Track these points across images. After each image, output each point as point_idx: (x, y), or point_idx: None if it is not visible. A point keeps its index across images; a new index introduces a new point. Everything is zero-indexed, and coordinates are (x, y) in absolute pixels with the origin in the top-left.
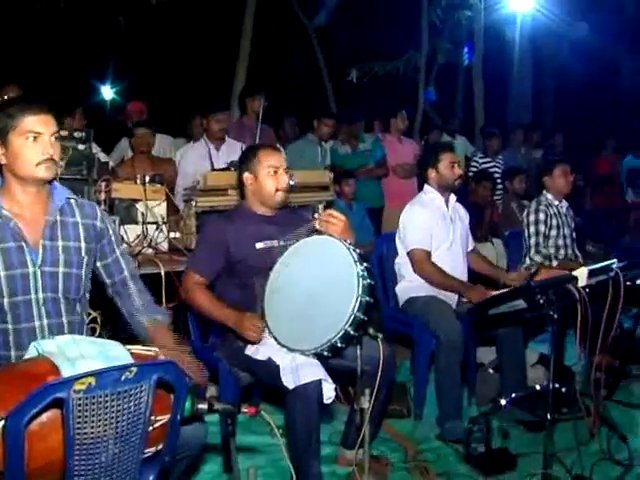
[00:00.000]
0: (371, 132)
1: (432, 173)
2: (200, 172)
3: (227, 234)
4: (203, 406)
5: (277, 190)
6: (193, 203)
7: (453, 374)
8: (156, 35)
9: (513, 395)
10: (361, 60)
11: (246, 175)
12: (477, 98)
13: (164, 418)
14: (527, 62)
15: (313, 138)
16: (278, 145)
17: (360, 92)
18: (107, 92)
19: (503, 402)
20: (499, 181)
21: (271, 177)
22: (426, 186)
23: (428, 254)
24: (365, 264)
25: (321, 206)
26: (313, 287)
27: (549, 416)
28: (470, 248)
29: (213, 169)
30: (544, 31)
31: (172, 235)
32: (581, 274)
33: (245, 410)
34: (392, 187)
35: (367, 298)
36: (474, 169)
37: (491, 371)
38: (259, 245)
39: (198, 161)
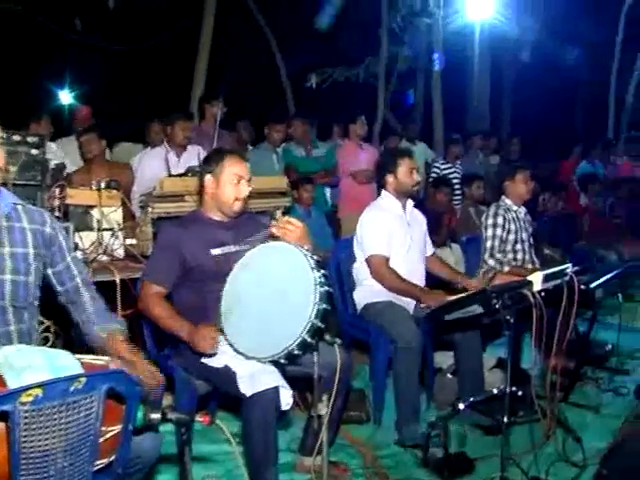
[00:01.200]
0: (330, 138)
1: (390, 178)
2: (157, 178)
3: (182, 241)
4: (156, 416)
5: (236, 199)
6: (149, 209)
7: (410, 379)
8: (114, 39)
9: (471, 399)
10: (321, 66)
11: (208, 178)
12: (436, 105)
13: (116, 429)
14: (485, 69)
15: (267, 146)
16: (244, 155)
17: (320, 97)
18: (65, 97)
19: (461, 406)
20: (458, 187)
21: (233, 185)
22: (383, 192)
23: (386, 260)
24: (322, 271)
25: (279, 212)
26: (270, 294)
27: (506, 419)
28: (429, 253)
29: (170, 175)
30: (503, 38)
31: (128, 242)
32: (536, 279)
33: (199, 419)
34: (350, 192)
35: (324, 305)
36: (435, 175)
37: (450, 375)
38: (215, 251)
39: (155, 167)
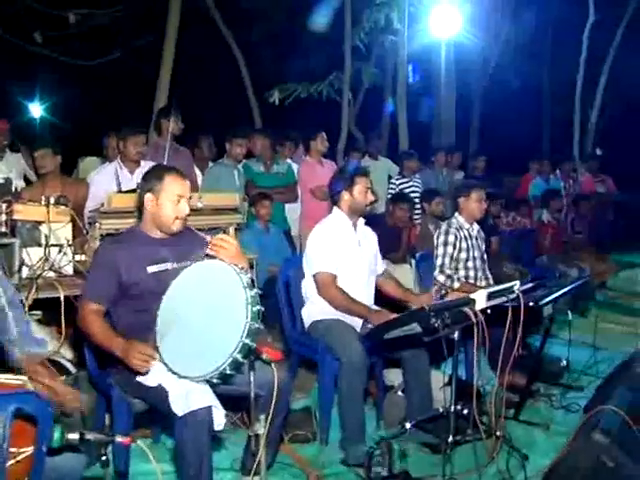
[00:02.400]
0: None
1: (346, 196)
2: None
3: (118, 258)
4: (74, 436)
5: (176, 218)
6: (97, 225)
7: (355, 397)
8: (76, 53)
9: (418, 418)
10: (284, 81)
11: (148, 196)
12: (400, 120)
13: (29, 450)
14: (451, 85)
15: (228, 161)
16: (184, 173)
17: (285, 113)
18: (36, 110)
19: (407, 425)
20: (417, 201)
21: (173, 204)
22: (335, 208)
23: (333, 277)
24: (255, 289)
25: (231, 229)
26: (203, 313)
27: (450, 438)
28: (380, 271)
29: (119, 191)
30: (470, 55)
31: (77, 258)
32: (480, 297)
33: (119, 439)
34: (309, 209)
35: (257, 324)
36: (392, 191)
37: (400, 393)
38: (151, 269)
39: (106, 183)
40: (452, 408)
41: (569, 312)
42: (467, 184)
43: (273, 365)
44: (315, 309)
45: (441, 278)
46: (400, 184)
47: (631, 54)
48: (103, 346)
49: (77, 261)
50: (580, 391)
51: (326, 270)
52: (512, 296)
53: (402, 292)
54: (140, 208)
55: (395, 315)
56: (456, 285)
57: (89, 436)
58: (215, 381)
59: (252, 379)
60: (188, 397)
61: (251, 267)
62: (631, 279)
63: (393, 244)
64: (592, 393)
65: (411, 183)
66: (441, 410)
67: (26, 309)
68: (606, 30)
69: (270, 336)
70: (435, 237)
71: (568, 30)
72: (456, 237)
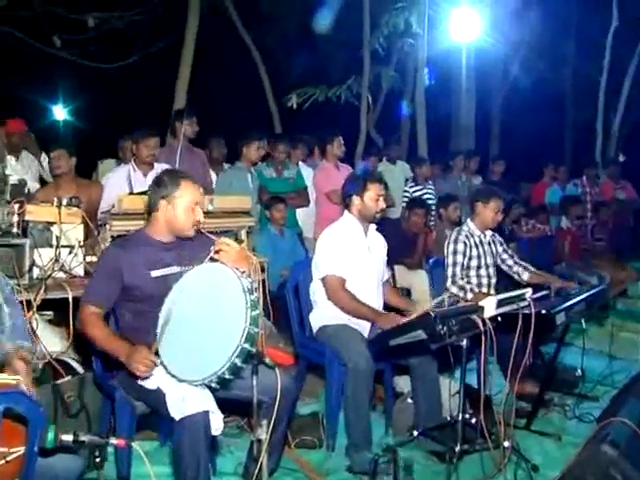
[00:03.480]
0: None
1: (357, 200)
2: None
3: (121, 262)
4: (68, 437)
5: (193, 225)
6: (108, 227)
7: (361, 403)
8: (95, 57)
9: (426, 426)
10: (303, 85)
11: (163, 203)
12: (419, 125)
13: (19, 450)
14: (471, 90)
15: (242, 165)
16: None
17: (304, 117)
18: (59, 113)
19: (415, 433)
20: (432, 207)
21: (189, 211)
22: (346, 212)
23: (342, 281)
24: (255, 294)
25: (243, 232)
26: (203, 317)
27: (458, 448)
28: (385, 279)
29: (131, 193)
30: (491, 59)
31: (89, 259)
32: (489, 304)
33: (114, 442)
34: (324, 213)
35: (256, 329)
36: (406, 198)
37: (409, 400)
38: (155, 273)
39: (118, 186)
40: (460, 417)
41: (583, 320)
42: (489, 190)
43: (277, 370)
44: (323, 314)
45: (454, 289)
46: (414, 192)
47: None
48: (104, 349)
49: (88, 262)
50: (595, 401)
51: (334, 273)
52: (523, 304)
53: (402, 301)
54: (149, 211)
55: (405, 319)
56: (469, 296)
57: (83, 438)
58: (214, 385)
59: (255, 384)
60: (185, 401)
61: (262, 271)
62: None
63: (409, 249)
64: (607, 404)
65: (424, 190)
66: (449, 419)
67: (34, 309)
68: (630, 34)
69: (283, 340)
70: (445, 246)
71: (591, 34)
72: (466, 245)
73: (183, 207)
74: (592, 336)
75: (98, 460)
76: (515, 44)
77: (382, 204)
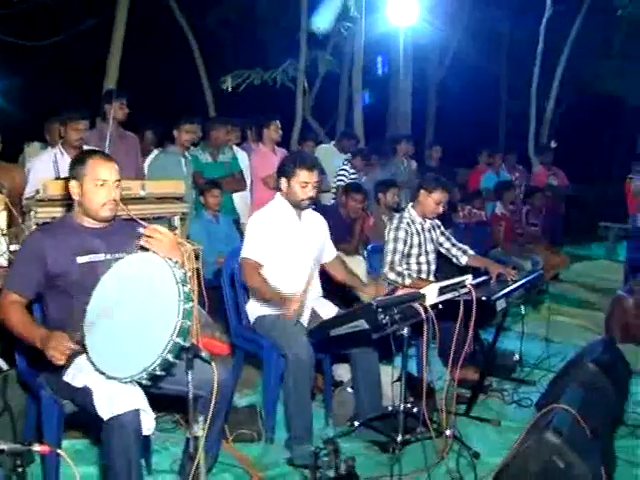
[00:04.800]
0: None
1: (284, 183)
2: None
3: (45, 248)
4: None
5: (103, 205)
6: (32, 214)
7: (302, 394)
8: (20, 33)
9: (367, 416)
10: (238, 68)
11: (72, 183)
12: (356, 110)
13: None
14: (408, 75)
15: (175, 149)
16: (108, 155)
17: (239, 100)
18: None
19: (356, 424)
20: None
21: (98, 189)
22: (278, 195)
23: (256, 265)
24: (189, 285)
25: (176, 218)
26: (133, 309)
27: (400, 437)
28: (332, 257)
29: (57, 178)
30: (427, 44)
31: (13, 248)
32: (430, 291)
33: (38, 449)
34: (260, 198)
35: (189, 323)
36: (342, 182)
37: (349, 390)
38: (81, 259)
39: (44, 170)
40: (401, 407)
41: (522, 306)
42: (437, 181)
43: (213, 364)
44: (259, 304)
45: (391, 276)
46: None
47: (587, 46)
48: (23, 337)
49: (12, 252)
50: (532, 385)
51: (249, 257)
52: (464, 290)
53: (351, 279)
54: (70, 196)
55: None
56: (407, 282)
57: (3, 446)
58: (145, 382)
59: (190, 379)
60: (114, 400)
61: (197, 258)
62: (583, 272)
63: (345, 235)
64: (544, 388)
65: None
66: (390, 408)
67: None
68: (563, 22)
69: (218, 329)
70: (386, 232)
71: (525, 22)
72: (407, 232)
73: (91, 185)
74: (527, 321)
75: (20, 470)
76: (452, 29)
77: (310, 192)
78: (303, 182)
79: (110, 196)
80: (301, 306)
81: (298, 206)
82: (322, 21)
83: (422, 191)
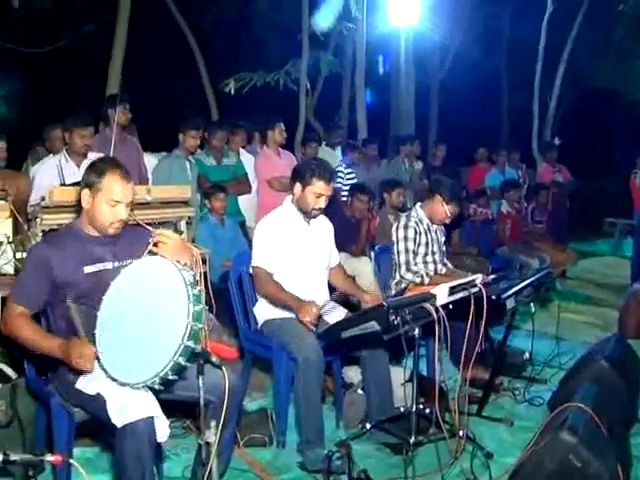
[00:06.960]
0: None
1: (298, 189)
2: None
3: (51, 258)
4: None
5: (111, 223)
6: (38, 221)
7: (312, 398)
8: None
9: (378, 418)
10: (241, 70)
11: (85, 192)
12: (359, 110)
13: None
14: (410, 75)
15: (180, 154)
16: (127, 172)
17: (242, 103)
18: None
19: (368, 426)
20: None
21: (110, 208)
22: (287, 199)
23: (268, 273)
24: (198, 288)
25: (182, 222)
26: (144, 314)
27: (412, 439)
28: (334, 264)
29: (63, 184)
30: (429, 44)
31: (19, 256)
32: (441, 292)
33: (50, 459)
34: (265, 201)
35: (200, 325)
36: (339, 183)
37: (360, 392)
38: (88, 269)
39: (49, 177)
40: (413, 408)
41: (532, 304)
42: (456, 193)
43: (224, 368)
44: (268, 307)
45: (409, 276)
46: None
47: (588, 43)
48: (39, 348)
49: (18, 259)
50: (543, 384)
51: (260, 265)
52: (474, 290)
53: (351, 286)
54: (76, 202)
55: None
56: (427, 281)
57: (14, 457)
58: (157, 387)
59: (201, 384)
60: (128, 407)
61: (204, 262)
62: (590, 268)
63: (351, 236)
64: (555, 386)
65: (354, 174)
66: (402, 410)
67: None
68: (564, 19)
69: (226, 333)
70: (394, 231)
71: (526, 19)
72: (416, 231)
73: (103, 201)
74: (536, 319)
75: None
76: (453, 28)
77: (321, 204)
78: (318, 193)
79: (120, 217)
80: (318, 317)
81: (306, 214)
82: (323, 21)
83: (438, 196)
